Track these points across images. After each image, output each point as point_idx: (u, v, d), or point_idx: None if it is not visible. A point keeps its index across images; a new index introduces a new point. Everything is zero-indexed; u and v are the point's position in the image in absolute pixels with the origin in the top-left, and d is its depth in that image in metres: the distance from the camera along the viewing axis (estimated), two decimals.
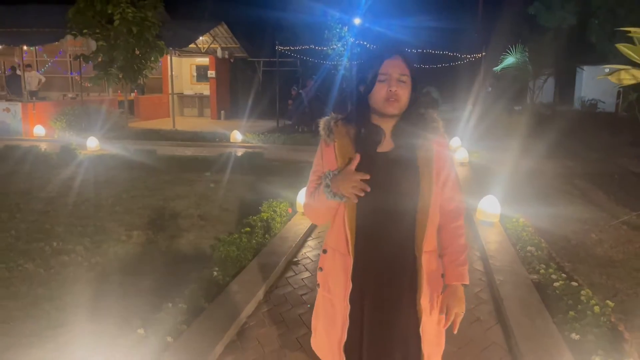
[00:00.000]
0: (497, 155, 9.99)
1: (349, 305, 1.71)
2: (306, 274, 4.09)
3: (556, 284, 3.57)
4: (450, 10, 24.73)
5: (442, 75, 20.82)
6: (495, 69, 18.52)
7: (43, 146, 10.31)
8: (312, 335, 1.91)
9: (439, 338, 1.80)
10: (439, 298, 1.77)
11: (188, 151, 10.62)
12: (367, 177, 1.56)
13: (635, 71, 3.69)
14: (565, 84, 22.21)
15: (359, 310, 1.72)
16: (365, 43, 16.26)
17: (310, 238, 5.00)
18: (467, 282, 1.75)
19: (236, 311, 3.22)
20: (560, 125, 13.30)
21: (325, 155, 1.73)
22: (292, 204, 5.63)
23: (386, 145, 1.69)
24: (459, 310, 1.73)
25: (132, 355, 2.63)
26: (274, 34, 18.95)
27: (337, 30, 18.18)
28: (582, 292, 3.40)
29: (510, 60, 18.08)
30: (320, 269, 1.82)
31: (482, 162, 9.54)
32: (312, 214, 1.77)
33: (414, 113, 1.69)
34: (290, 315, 3.35)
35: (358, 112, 1.70)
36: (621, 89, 16.04)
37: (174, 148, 10.94)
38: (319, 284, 1.83)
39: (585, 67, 20.67)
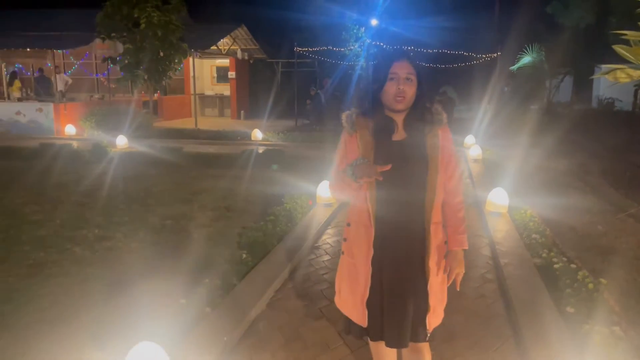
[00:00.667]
0: (510, 153, 10.21)
1: (371, 268, 2.05)
2: (326, 257, 4.48)
3: (556, 266, 3.89)
4: (467, 10, 24.88)
5: (458, 75, 20.98)
6: (511, 68, 18.67)
7: (75, 144, 10.90)
8: (337, 295, 2.24)
9: (442, 294, 2.15)
10: (443, 261, 2.13)
11: (211, 149, 11.07)
12: (388, 168, 1.85)
13: (630, 70, 4.00)
14: (583, 83, 22.16)
15: (378, 272, 2.05)
16: (381, 44, 16.57)
17: (330, 227, 5.38)
18: (466, 247, 2.10)
19: (265, 286, 3.62)
20: (576, 123, 13.46)
21: (349, 144, 2.05)
22: (312, 197, 6.00)
23: (399, 135, 2.02)
24: (460, 271, 2.09)
25: (177, 320, 3.03)
26: (293, 35, 19.36)
27: (354, 31, 18.54)
28: (579, 273, 3.72)
29: (526, 59, 18.22)
30: (345, 239, 2.16)
31: (496, 158, 9.79)
32: (337, 191, 2.10)
33: (421, 106, 2.02)
34: (313, 291, 3.74)
35: (372, 107, 2.03)
36: (639, 88, 16.09)
37: (198, 146, 11.39)
38: (343, 252, 2.17)
39: (603, 66, 20.65)
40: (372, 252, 2.03)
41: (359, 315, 2.11)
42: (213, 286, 3.55)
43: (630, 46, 4.03)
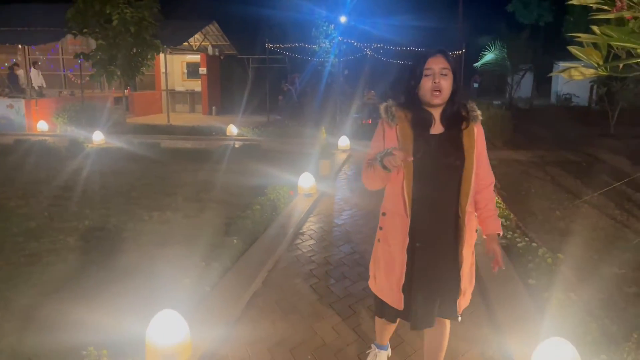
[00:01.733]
0: None
1: (406, 256, 2.14)
2: (312, 242, 4.82)
3: (519, 245, 4.34)
4: (432, 9, 25.53)
5: None
6: (475, 65, 19.38)
7: (50, 140, 10.87)
8: (372, 280, 2.36)
9: (471, 278, 2.27)
10: (472, 248, 2.26)
11: (188, 144, 11.23)
12: (411, 159, 1.94)
13: (582, 69, 4.46)
14: (543, 79, 23.15)
15: (412, 259, 2.15)
16: (351, 41, 16.96)
17: (312, 215, 5.72)
18: (501, 232, 2.26)
19: (259, 267, 3.93)
20: (536, 118, 14.17)
21: (388, 136, 2.12)
22: (293, 188, 6.31)
23: (437, 129, 2.10)
24: (500, 252, 2.24)
25: (186, 296, 3.31)
26: (264, 32, 19.51)
27: (324, 28, 18.85)
28: (540, 250, 4.16)
29: (489, 56, 18.96)
30: (381, 227, 2.22)
31: None
32: (368, 180, 2.16)
33: (457, 101, 2.11)
34: (303, 270, 4.08)
35: (410, 101, 2.12)
36: (594, 84, 16.97)
37: (174, 141, 11.49)
38: (379, 239, 2.24)
39: (561, 63, 21.59)
40: (407, 241, 2.12)
41: (394, 299, 2.21)
42: (210, 268, 3.82)
43: (584, 47, 4.49)
